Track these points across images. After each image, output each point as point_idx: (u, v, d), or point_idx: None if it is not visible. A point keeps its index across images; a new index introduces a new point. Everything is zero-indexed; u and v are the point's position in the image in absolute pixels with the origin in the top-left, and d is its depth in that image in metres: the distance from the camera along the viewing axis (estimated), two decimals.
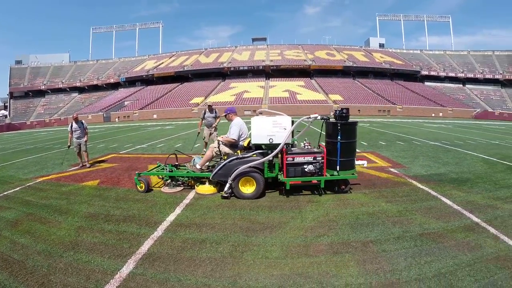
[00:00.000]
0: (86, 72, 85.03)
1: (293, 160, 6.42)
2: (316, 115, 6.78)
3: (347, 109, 6.68)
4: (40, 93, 79.61)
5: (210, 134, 11.52)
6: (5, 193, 7.98)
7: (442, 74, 73.22)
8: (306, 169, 6.39)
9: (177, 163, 7.90)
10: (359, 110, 52.89)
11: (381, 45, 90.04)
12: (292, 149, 6.86)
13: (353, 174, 6.69)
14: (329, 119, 6.79)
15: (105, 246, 4.53)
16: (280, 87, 63.26)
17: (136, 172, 7.60)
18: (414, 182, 7.67)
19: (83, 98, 75.76)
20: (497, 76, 71.11)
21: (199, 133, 12.02)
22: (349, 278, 3.60)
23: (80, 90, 79.68)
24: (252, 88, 63.54)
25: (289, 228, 5.00)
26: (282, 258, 4.07)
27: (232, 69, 71.95)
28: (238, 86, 65.42)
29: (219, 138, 7.23)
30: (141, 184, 7.30)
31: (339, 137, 6.36)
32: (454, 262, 3.90)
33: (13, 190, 8.17)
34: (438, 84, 71.63)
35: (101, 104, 66.72)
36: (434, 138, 17.49)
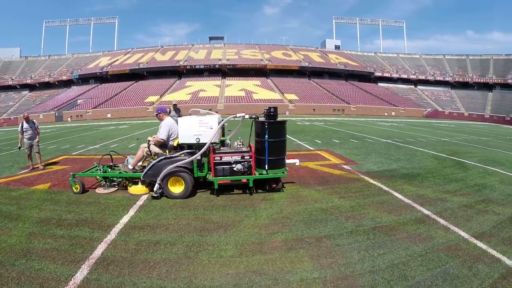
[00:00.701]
0: (37, 68, 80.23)
1: (221, 159, 6.46)
2: (243, 114, 6.85)
3: (275, 108, 6.72)
4: None
5: None
6: None
7: (395, 75, 76.90)
8: (234, 168, 6.41)
9: (111, 164, 7.72)
10: (314, 109, 54.14)
11: (337, 47, 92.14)
12: (222, 148, 6.99)
13: (283, 172, 6.71)
14: (257, 118, 6.81)
15: (57, 252, 4.38)
16: (236, 86, 63.39)
17: (71, 173, 7.40)
18: (367, 178, 7.98)
19: (34, 96, 71.30)
20: (447, 78, 75.83)
21: None
22: (304, 273, 3.71)
23: (31, 87, 74.92)
24: (208, 87, 63.22)
25: (243, 227, 5.07)
26: (237, 257, 4.12)
27: (189, 67, 71.01)
28: (194, 84, 64.82)
29: (149, 138, 7.17)
30: (76, 185, 7.15)
31: (266, 136, 6.38)
32: (406, 253, 4.12)
33: None
34: (391, 85, 75.18)
35: (53, 102, 63.26)
36: (386, 136, 18.23)
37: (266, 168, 6.51)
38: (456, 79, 75.27)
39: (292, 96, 59.18)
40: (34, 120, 10.74)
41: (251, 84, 64.91)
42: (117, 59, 78.82)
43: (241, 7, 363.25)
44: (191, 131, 6.61)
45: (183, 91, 61.22)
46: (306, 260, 4.00)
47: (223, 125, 7.08)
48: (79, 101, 61.30)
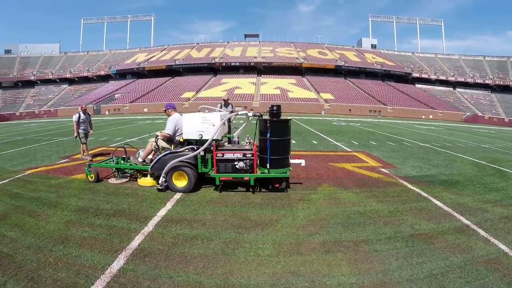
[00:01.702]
0: (76, 63, 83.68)
1: (223, 156, 6.54)
2: (246, 111, 7.05)
3: (279, 106, 6.73)
4: (29, 84, 77.77)
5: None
6: None
7: (433, 77, 73.98)
8: (237, 166, 6.47)
9: (124, 156, 8.05)
10: (350, 110, 53.27)
11: (373, 46, 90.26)
12: (227, 145, 7.12)
13: (285, 173, 6.63)
14: (261, 116, 6.83)
15: (95, 241, 4.47)
16: (271, 84, 63.29)
17: (87, 163, 7.94)
18: (405, 183, 7.72)
19: (73, 90, 74.55)
20: (487, 81, 72.19)
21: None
22: (341, 277, 3.60)
23: (70, 81, 78.40)
24: (244, 84, 63.48)
25: (281, 226, 4.99)
26: (274, 256, 4.05)
27: (224, 64, 71.60)
28: (230, 81, 65.28)
29: (157, 133, 7.43)
30: (91, 175, 7.65)
31: (268, 134, 6.33)
32: (445, 263, 3.92)
33: (1, 182, 8.04)
34: (429, 87, 72.49)
35: (91, 96, 65.87)
36: (424, 139, 17.65)
37: (268, 167, 6.45)
38: (497, 82, 71.47)
39: (328, 96, 58.41)
40: (89, 112, 11.30)
41: (286, 83, 64.64)
42: (154, 55, 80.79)
43: (275, 5, 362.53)
44: (194, 128, 6.80)
45: (218, 88, 61.74)
46: (344, 264, 3.89)
47: (226, 122, 7.26)
48: (116, 96, 63.40)
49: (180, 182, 6.74)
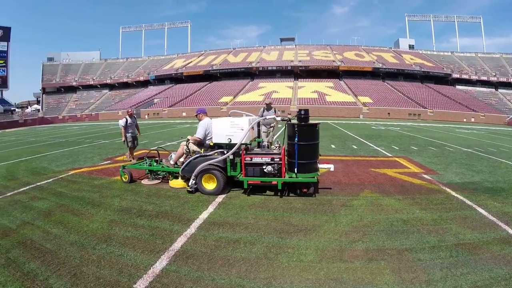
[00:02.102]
0: (116, 69, 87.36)
1: (251, 160, 6.58)
2: (274, 115, 7.17)
3: (307, 110, 6.68)
4: (71, 89, 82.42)
5: (268, 134, 10.74)
6: (38, 183, 8.24)
7: (474, 77, 70.26)
8: (265, 170, 6.47)
9: (157, 158, 8.33)
10: (388, 113, 51.89)
11: (411, 46, 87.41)
12: (256, 149, 7.16)
13: (313, 177, 6.55)
14: (290, 120, 6.83)
15: (138, 241, 4.52)
16: (308, 88, 62.85)
17: (121, 165, 8.29)
18: (448, 190, 7.39)
19: (113, 95, 77.80)
20: None
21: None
22: (385, 286, 3.47)
23: (111, 87, 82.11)
24: (281, 88, 63.44)
25: (323, 232, 4.88)
26: (316, 262, 3.96)
27: (261, 69, 71.96)
28: (267, 86, 65.44)
29: (188, 137, 7.61)
30: (125, 175, 8.02)
31: (296, 139, 6.32)
32: (490, 275, 3.71)
33: (46, 181, 8.38)
34: (470, 88, 68.90)
35: (131, 101, 68.25)
36: (466, 144, 16.90)
37: (295, 171, 6.43)
38: None
39: (366, 99, 57.07)
40: (135, 116, 11.49)
41: (323, 86, 63.89)
42: (191, 61, 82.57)
43: (310, 8, 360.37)
44: (223, 132, 6.99)
45: (256, 92, 62.09)
46: (387, 272, 3.75)
47: (256, 126, 7.45)
48: (155, 100, 65.30)
49: (209, 185, 6.88)
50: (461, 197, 6.82)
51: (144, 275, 3.60)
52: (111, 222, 5.31)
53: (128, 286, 3.42)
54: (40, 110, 73.77)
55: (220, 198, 6.53)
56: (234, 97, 60.54)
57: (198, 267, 3.80)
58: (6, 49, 69.72)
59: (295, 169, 6.40)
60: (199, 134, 7.49)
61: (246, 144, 6.99)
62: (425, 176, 8.75)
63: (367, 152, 12.87)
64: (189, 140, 7.54)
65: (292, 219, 5.42)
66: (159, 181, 8.04)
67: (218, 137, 7.07)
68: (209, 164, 6.73)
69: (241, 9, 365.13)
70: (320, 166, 6.86)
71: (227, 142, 6.94)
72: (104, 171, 9.25)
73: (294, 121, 6.73)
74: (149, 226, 5.07)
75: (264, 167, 6.47)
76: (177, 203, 6.24)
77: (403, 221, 5.38)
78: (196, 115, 8.07)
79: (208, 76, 74.43)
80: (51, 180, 8.46)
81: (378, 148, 14.32)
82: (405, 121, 45.10)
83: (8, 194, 7.51)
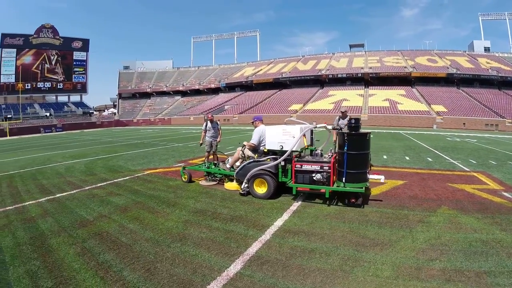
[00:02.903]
0: (188, 77, 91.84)
1: (301, 167, 6.71)
2: (325, 124, 7.46)
3: (357, 119, 6.79)
4: (145, 95, 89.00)
5: None
6: (115, 180, 8.86)
7: None
8: (314, 177, 6.55)
9: (216, 162, 9.13)
10: (464, 124, 47.70)
11: (486, 49, 79.20)
12: (307, 157, 7.27)
13: (361, 188, 6.48)
14: (341, 129, 7.06)
15: (212, 243, 4.59)
16: (380, 96, 60.15)
17: (182, 166, 9.13)
18: None
19: (185, 101, 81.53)
20: None
21: (335, 141, 10.41)
22: None
23: (183, 93, 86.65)
24: (351, 96, 61.70)
25: (400, 248, 4.64)
26: (393, 279, 3.78)
27: (330, 76, 70.49)
28: (337, 93, 64.01)
29: (244, 143, 8.10)
30: (185, 176, 8.74)
31: (345, 148, 6.38)
32: None
33: (122, 178, 8.92)
34: None
35: (202, 107, 71.02)
36: None
37: (344, 180, 6.45)
38: None
39: (440, 108, 52.77)
40: (218, 122, 11.63)
41: (395, 94, 60.59)
42: (261, 69, 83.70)
43: (377, 12, 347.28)
44: (275, 139, 7.34)
45: (325, 100, 61.05)
46: None
47: (308, 134, 7.69)
48: (226, 107, 67.24)
49: (261, 189, 7.19)
50: None
51: (218, 277, 3.64)
52: (186, 222, 5.46)
53: (202, 287, 3.47)
54: (116, 113, 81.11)
55: (294, 206, 6.49)
56: (303, 105, 60.22)
57: (272, 273, 3.76)
58: (85, 59, 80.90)
59: (343, 178, 6.44)
60: (253, 140, 7.87)
61: (297, 151, 7.23)
62: (505, 194, 8.04)
63: (443, 166, 12.10)
64: (245, 146, 7.97)
65: (368, 232, 5.23)
66: (216, 182, 8.55)
67: (271, 144, 7.44)
68: (261, 169, 7.09)
69: (308, 16, 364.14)
70: (370, 176, 6.88)
71: (279, 148, 7.25)
72: (179, 173, 9.54)
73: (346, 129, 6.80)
74: (224, 229, 5.14)
75: (313, 174, 6.58)
76: (251, 209, 6.29)
77: (482, 241, 4.99)
78: (253, 122, 8.48)
79: (278, 84, 74.91)
80: (127, 178, 8.98)
81: (454, 162, 13.42)
82: (482, 132, 41.59)
83: (86, 188, 8.18)
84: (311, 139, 8.07)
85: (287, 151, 6.88)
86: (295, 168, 6.75)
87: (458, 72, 62.99)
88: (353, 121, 6.69)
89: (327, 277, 3.73)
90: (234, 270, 3.80)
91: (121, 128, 59.17)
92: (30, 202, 7.15)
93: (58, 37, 77.09)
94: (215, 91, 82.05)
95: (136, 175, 9.52)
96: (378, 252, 4.47)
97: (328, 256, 4.28)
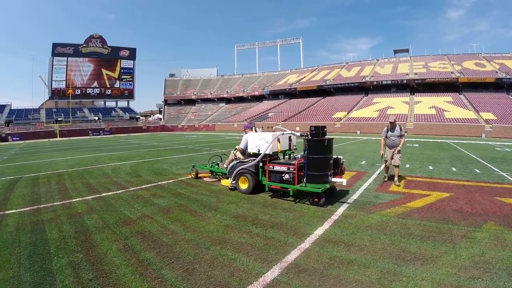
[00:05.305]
0: (232, 85, 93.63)
1: (273, 168, 7.72)
2: (293, 131, 8.53)
3: (318, 127, 7.35)
4: (190, 102, 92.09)
5: (393, 155, 9.82)
6: (160, 183, 9.25)
7: None
8: (284, 177, 7.46)
9: (218, 162, 10.49)
10: None
11: None
12: (280, 159, 8.35)
13: (319, 188, 7.02)
14: (307, 135, 7.46)
15: (251, 248, 4.64)
16: (426, 103, 57.01)
17: (192, 164, 10.64)
18: None
19: (229, 108, 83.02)
20: None
21: (382, 155, 10.23)
22: None
23: (227, 100, 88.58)
24: (396, 103, 59.34)
25: (442, 264, 4.46)
26: None
27: (375, 83, 68.35)
28: (381, 101, 61.89)
29: (236, 147, 9.41)
30: (193, 173, 10.27)
31: (306, 152, 7.19)
32: None
33: (166, 181, 9.26)
34: None
35: (246, 114, 71.98)
36: None
37: (304, 181, 7.24)
38: None
39: (489, 115, 48.56)
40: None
41: (442, 101, 57.36)
42: (304, 76, 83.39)
43: (421, 15, 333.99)
44: (254, 144, 8.50)
45: (370, 108, 59.40)
46: None
47: (285, 140, 8.64)
48: (270, 114, 67.51)
49: (244, 185, 8.29)
50: None
51: (254, 282, 3.68)
52: (226, 226, 5.56)
53: None
54: (162, 119, 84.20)
55: (336, 216, 6.41)
56: (348, 113, 59.04)
57: (309, 282, 3.74)
58: (132, 67, 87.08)
59: (304, 179, 7.25)
60: (241, 145, 9.17)
61: (270, 155, 8.12)
62: None
63: (492, 178, 11.49)
64: (236, 149, 9.28)
65: (410, 246, 5.06)
66: (217, 179, 9.94)
67: (252, 148, 8.60)
68: (243, 168, 8.31)
69: (350, 22, 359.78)
70: (333, 179, 7.48)
71: (256, 151, 8.40)
72: (220, 178, 9.84)
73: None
74: (264, 236, 5.18)
75: (283, 175, 7.47)
76: (292, 216, 6.29)
77: None
78: (244, 130, 9.65)
79: (322, 91, 74.19)
80: (171, 181, 9.30)
81: (504, 174, 12.69)
82: None
83: (132, 189, 8.57)
84: (289, 144, 8.94)
85: (261, 153, 8.06)
86: (269, 169, 7.78)
87: (508, 77, 58.09)
88: (313, 128, 7.31)
89: None
90: (271, 276, 3.82)
91: (166, 133, 61.03)
92: (77, 199, 7.63)
93: (106, 46, 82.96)
94: (259, 98, 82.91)
95: (180, 178, 9.88)
96: (418, 267, 4.34)
97: (367, 268, 4.20)
